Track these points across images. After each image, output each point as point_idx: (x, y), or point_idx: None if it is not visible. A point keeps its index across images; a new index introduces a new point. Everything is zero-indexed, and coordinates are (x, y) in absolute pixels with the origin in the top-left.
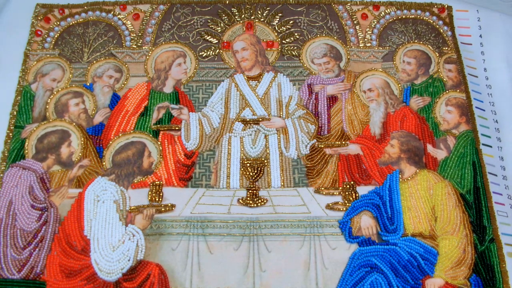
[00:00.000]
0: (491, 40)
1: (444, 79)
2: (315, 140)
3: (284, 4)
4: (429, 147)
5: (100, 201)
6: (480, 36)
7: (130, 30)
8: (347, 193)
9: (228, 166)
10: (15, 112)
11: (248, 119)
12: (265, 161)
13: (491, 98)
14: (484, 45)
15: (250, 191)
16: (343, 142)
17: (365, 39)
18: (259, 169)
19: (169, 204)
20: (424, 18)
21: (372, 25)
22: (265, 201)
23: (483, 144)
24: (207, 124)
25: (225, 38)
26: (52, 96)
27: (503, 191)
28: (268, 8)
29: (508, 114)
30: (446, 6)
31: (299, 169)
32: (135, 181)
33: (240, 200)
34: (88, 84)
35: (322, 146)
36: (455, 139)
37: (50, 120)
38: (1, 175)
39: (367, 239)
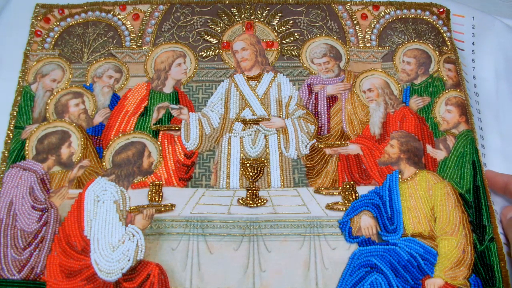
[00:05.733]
0: (483, 49)
1: (444, 78)
2: (315, 140)
3: (284, 4)
4: (429, 148)
5: (100, 201)
6: (473, 43)
7: (130, 30)
8: (347, 193)
9: (228, 166)
10: (15, 112)
11: (248, 119)
12: (265, 161)
13: (478, 106)
14: (476, 53)
15: (250, 191)
16: (343, 142)
17: (365, 39)
18: (259, 169)
19: (169, 204)
20: (424, 17)
21: (372, 25)
22: (265, 201)
23: None
24: (207, 124)
25: (225, 38)
26: (52, 96)
27: None
28: (268, 8)
29: (492, 123)
30: (445, 8)
31: (299, 169)
32: (135, 181)
33: (240, 200)
34: (88, 84)
35: (322, 146)
36: (455, 139)
37: (50, 121)
38: (1, 175)
39: (367, 239)
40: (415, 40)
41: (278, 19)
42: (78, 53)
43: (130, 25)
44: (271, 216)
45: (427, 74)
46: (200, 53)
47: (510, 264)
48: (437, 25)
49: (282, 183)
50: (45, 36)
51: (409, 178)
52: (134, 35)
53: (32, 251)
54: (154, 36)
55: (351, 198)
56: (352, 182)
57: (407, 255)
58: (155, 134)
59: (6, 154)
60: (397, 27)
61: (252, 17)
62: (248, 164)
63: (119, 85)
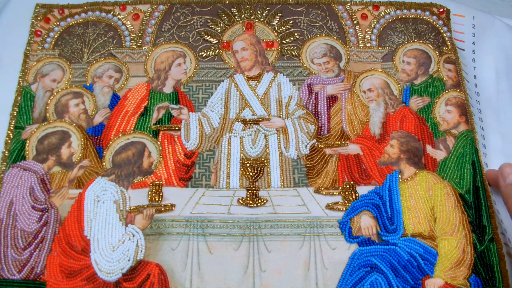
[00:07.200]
0: (483, 49)
1: (444, 79)
2: (315, 140)
3: (284, 4)
4: (429, 148)
5: (100, 201)
6: (473, 43)
7: (130, 30)
8: (347, 193)
9: (228, 166)
10: (15, 112)
11: (248, 119)
12: (265, 161)
13: (479, 106)
14: (476, 53)
15: (250, 191)
16: (343, 142)
17: (365, 39)
18: (259, 169)
19: (169, 204)
20: (424, 17)
21: (372, 25)
22: (265, 201)
23: None
24: (207, 124)
25: (225, 38)
26: (52, 96)
27: None
28: (268, 8)
29: (493, 122)
30: (445, 8)
31: (299, 169)
32: (135, 181)
33: (240, 200)
34: (88, 84)
35: (322, 146)
36: (455, 139)
37: (50, 121)
38: (2, 175)
39: (367, 239)
40: (415, 40)
41: (278, 19)
42: (78, 53)
43: (130, 25)
44: (271, 216)
45: (427, 74)
46: (200, 53)
47: (510, 264)
48: (437, 25)
49: (282, 183)
50: (45, 36)
51: (409, 178)
52: (134, 35)
53: (32, 251)
54: (154, 36)
55: (351, 198)
56: (352, 182)
57: (407, 255)
58: (155, 134)
59: (7, 154)
60: (397, 27)
61: (252, 17)
62: (248, 164)
63: (119, 85)
